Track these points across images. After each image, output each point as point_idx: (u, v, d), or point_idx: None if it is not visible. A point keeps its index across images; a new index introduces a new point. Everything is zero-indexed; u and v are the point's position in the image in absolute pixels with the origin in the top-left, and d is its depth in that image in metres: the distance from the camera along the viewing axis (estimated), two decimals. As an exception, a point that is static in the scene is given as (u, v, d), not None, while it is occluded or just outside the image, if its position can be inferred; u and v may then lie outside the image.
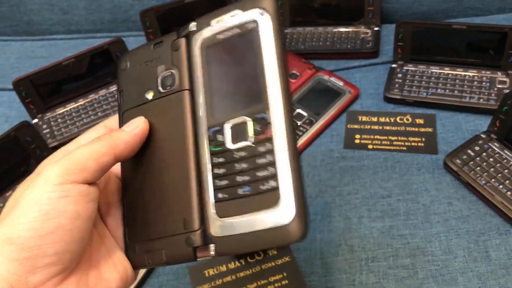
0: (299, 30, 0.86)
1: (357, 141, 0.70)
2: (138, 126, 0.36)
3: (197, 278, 0.58)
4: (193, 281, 0.58)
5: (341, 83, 0.75)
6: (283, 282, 0.57)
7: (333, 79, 0.76)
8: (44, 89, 0.77)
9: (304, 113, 0.72)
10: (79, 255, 0.33)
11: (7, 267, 0.30)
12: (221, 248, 0.32)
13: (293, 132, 0.32)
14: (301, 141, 0.70)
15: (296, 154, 0.32)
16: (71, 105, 0.79)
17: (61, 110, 0.78)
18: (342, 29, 0.85)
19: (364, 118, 0.72)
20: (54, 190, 0.31)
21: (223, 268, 0.59)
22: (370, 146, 0.69)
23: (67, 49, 0.94)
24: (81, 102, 0.79)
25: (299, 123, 0.71)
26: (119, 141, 0.35)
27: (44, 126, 0.76)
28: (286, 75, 0.32)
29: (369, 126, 0.71)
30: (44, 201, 0.31)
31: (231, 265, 0.59)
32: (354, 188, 0.64)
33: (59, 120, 0.77)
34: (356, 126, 0.71)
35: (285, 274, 0.58)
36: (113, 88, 0.80)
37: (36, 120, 0.77)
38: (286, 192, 0.30)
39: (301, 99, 0.74)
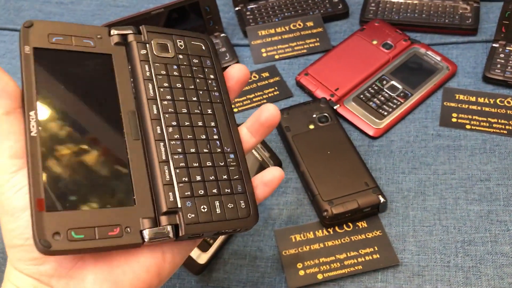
0: (393, 0, 0.82)
1: (453, 119, 0.66)
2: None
3: (283, 243, 0.57)
4: (280, 245, 0.57)
5: (438, 58, 0.72)
6: (374, 256, 0.55)
7: (430, 53, 0.73)
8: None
9: (399, 86, 0.69)
10: None
11: None
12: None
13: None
14: (395, 115, 0.67)
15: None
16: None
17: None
18: (438, 2, 0.80)
19: (461, 97, 0.68)
20: None
21: (310, 235, 0.58)
22: (468, 126, 0.65)
23: (147, 0, 0.92)
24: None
25: (393, 95, 0.68)
26: None
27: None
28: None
29: (466, 106, 0.68)
30: None
31: (319, 233, 0.58)
32: (450, 168, 0.62)
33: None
34: (453, 104, 0.68)
35: (376, 248, 0.56)
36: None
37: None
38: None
39: (395, 71, 0.71)
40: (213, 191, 0.37)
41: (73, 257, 0.33)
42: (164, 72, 0.39)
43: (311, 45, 0.78)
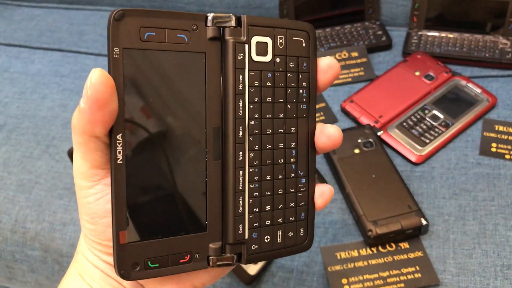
0: (434, 34, 0.86)
1: (493, 149, 0.70)
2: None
3: (329, 259, 0.61)
4: (326, 261, 0.61)
5: (478, 90, 0.75)
6: (416, 275, 0.58)
7: (470, 85, 0.76)
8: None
9: (440, 115, 0.73)
10: None
11: None
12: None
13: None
14: (436, 143, 0.70)
15: None
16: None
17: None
18: (478, 37, 0.84)
19: (501, 128, 0.72)
20: None
21: (355, 253, 0.61)
22: (507, 156, 0.68)
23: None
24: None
25: (434, 124, 0.72)
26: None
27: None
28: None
29: (506, 136, 0.71)
30: None
31: (363, 252, 0.61)
32: (489, 195, 0.65)
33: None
34: (492, 135, 0.71)
35: (417, 267, 0.59)
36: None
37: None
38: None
39: (436, 101, 0.75)
40: (279, 220, 0.37)
41: None
42: (257, 84, 0.35)
43: (355, 74, 0.83)
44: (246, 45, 0.35)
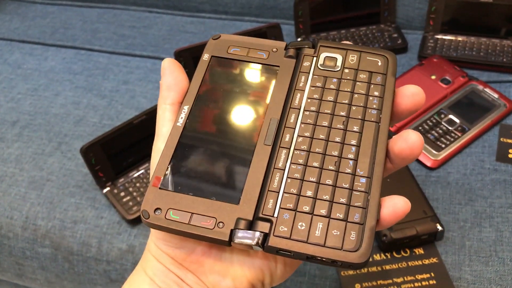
0: (450, 37, 0.85)
1: (510, 155, 0.68)
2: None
3: (342, 263, 0.60)
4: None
5: (496, 95, 0.74)
6: (431, 282, 0.57)
7: (487, 90, 0.75)
8: (200, 63, 0.82)
9: (457, 120, 0.72)
10: None
11: None
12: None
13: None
14: (452, 148, 0.69)
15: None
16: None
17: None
18: (496, 41, 0.83)
19: (518, 134, 0.71)
20: None
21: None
22: (524, 163, 0.67)
23: (214, 28, 0.98)
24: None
25: (450, 128, 0.71)
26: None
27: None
28: None
29: (523, 143, 0.70)
30: None
31: (377, 257, 0.61)
32: (506, 202, 0.64)
33: (211, 93, 0.81)
34: (510, 141, 0.70)
35: (432, 274, 0.58)
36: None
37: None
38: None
39: (453, 106, 0.74)
40: (321, 211, 0.33)
41: (204, 247, 0.36)
42: (320, 85, 0.38)
43: (370, 77, 0.81)
44: (315, 58, 0.39)
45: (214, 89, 0.39)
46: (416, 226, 0.59)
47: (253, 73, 0.40)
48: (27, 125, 0.81)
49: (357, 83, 0.38)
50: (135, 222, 0.67)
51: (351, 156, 0.35)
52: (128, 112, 0.82)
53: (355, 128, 0.36)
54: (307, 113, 0.37)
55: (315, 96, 0.37)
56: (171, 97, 0.38)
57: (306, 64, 0.39)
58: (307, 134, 0.36)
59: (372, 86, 0.37)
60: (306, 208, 0.33)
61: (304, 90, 0.38)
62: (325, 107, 0.37)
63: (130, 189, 0.69)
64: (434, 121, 0.72)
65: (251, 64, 0.40)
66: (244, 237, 0.32)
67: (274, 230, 0.33)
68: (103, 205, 0.69)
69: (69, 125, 0.81)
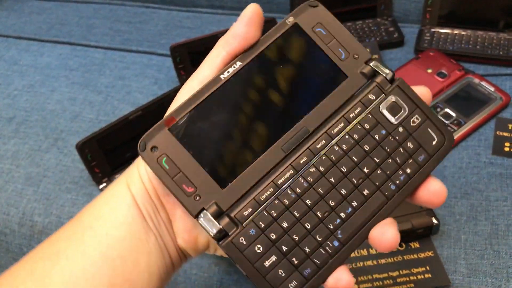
0: (447, 31, 0.85)
1: (506, 149, 0.68)
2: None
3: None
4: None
5: (492, 89, 0.74)
6: (426, 275, 0.58)
7: (483, 83, 0.75)
8: (196, 57, 0.81)
9: (453, 114, 0.72)
10: None
11: None
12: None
13: None
14: (448, 141, 0.69)
15: None
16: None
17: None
18: (492, 34, 0.83)
19: (515, 127, 0.71)
20: None
21: (364, 252, 0.61)
22: (520, 156, 0.67)
23: (211, 23, 0.98)
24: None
25: (446, 122, 0.71)
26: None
27: (193, 92, 0.80)
28: None
29: (519, 136, 0.70)
30: None
31: (372, 251, 0.61)
32: (502, 195, 0.64)
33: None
34: (506, 134, 0.70)
35: (428, 268, 0.58)
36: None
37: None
38: None
39: (449, 99, 0.74)
40: (283, 247, 0.33)
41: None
42: (368, 127, 0.35)
43: (366, 71, 0.81)
44: (383, 95, 0.36)
45: (273, 60, 0.36)
46: (411, 220, 0.59)
47: (320, 67, 0.37)
48: (23, 122, 0.81)
49: (400, 149, 0.35)
50: (131, 217, 0.67)
51: (342, 215, 0.34)
52: (124, 107, 0.82)
53: (365, 192, 0.34)
54: (336, 148, 0.35)
55: (355, 136, 0.35)
56: (232, 46, 0.35)
57: (371, 97, 0.35)
58: (321, 168, 0.34)
59: (410, 161, 0.35)
60: (273, 237, 0.33)
61: (350, 123, 0.35)
62: (355, 154, 0.35)
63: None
64: (430, 114, 0.72)
65: (326, 58, 0.36)
66: (207, 223, 0.33)
67: (235, 236, 0.33)
68: (100, 201, 0.69)
69: (65, 121, 0.81)
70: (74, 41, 0.97)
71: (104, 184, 0.69)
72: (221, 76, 0.35)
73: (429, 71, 0.78)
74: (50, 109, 0.83)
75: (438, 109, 0.73)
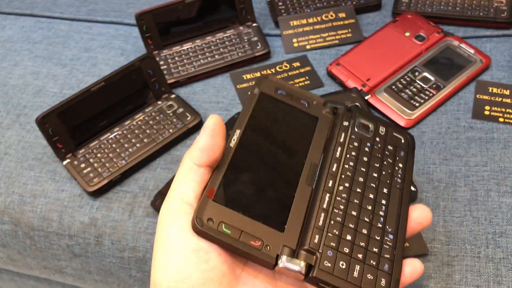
0: (426, -7, 0.81)
1: (486, 112, 0.66)
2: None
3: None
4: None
5: (472, 51, 0.71)
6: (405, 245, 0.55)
7: (463, 45, 0.72)
8: (164, 26, 0.77)
9: (431, 77, 0.69)
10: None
11: None
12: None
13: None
14: (426, 106, 0.66)
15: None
16: (188, 45, 0.79)
17: (178, 49, 0.78)
18: (473, -4, 0.80)
19: (495, 90, 0.68)
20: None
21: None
22: (501, 119, 0.65)
23: (181, -9, 0.93)
24: (198, 43, 0.79)
25: (425, 86, 0.68)
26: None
27: (161, 63, 0.77)
28: None
29: (500, 99, 0.67)
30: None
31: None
32: (482, 160, 0.61)
33: (176, 58, 0.77)
34: (486, 97, 0.67)
35: (405, 237, 0.56)
36: (231, 32, 0.79)
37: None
38: None
39: (427, 63, 0.71)
40: (358, 255, 0.38)
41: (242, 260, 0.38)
42: (357, 144, 0.44)
43: (342, 36, 0.78)
44: (352, 120, 0.45)
45: (261, 122, 0.43)
46: (388, 187, 0.57)
47: (295, 117, 0.45)
48: (-17, 98, 0.77)
49: (386, 152, 0.44)
50: (97, 194, 0.63)
51: (381, 213, 0.40)
52: (89, 80, 0.78)
53: (385, 190, 0.42)
54: (346, 166, 0.42)
55: (353, 153, 0.43)
56: (201, 159, 0.38)
57: (345, 123, 0.45)
58: (346, 184, 0.41)
59: (397, 158, 0.44)
60: (346, 250, 0.38)
61: (344, 146, 0.43)
62: (361, 165, 0.42)
63: (91, 160, 0.66)
64: (408, 79, 0.69)
65: (295, 109, 0.45)
66: (289, 264, 0.36)
67: (320, 263, 0.37)
68: (64, 178, 0.66)
69: (28, 96, 0.77)
70: (37, 12, 0.92)
71: (68, 160, 0.66)
72: (230, 145, 0.40)
73: (407, 34, 0.74)
74: (12, 84, 0.79)
75: (416, 73, 0.70)
